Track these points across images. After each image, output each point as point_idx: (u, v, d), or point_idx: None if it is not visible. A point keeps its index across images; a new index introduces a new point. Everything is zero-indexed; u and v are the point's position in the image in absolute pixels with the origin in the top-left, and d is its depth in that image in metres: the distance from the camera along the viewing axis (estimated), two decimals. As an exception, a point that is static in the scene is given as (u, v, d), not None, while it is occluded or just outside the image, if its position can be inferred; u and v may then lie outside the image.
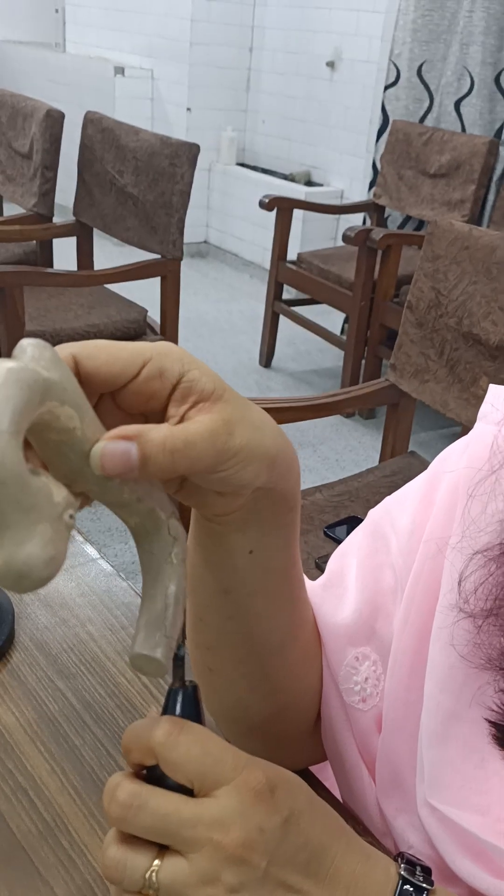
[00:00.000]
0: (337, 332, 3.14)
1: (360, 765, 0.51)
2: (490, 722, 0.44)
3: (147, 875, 0.33)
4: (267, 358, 3.25)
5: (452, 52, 3.04)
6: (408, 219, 3.27)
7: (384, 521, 0.53)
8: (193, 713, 0.37)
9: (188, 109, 4.39)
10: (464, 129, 3.06)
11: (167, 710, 0.37)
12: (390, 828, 0.50)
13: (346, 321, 3.14)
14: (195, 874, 0.33)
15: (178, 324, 2.38)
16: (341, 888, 0.36)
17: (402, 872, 0.37)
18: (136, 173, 2.35)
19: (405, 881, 0.37)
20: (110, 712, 0.59)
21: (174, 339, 2.36)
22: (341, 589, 0.53)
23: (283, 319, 3.21)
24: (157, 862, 0.33)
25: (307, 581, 0.52)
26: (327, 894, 0.36)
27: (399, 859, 0.39)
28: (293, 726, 0.53)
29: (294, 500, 0.42)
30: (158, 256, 2.30)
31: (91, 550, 0.76)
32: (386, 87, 3.24)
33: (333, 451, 2.67)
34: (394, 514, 0.53)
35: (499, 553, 0.44)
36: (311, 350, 3.45)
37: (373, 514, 0.55)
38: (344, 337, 2.96)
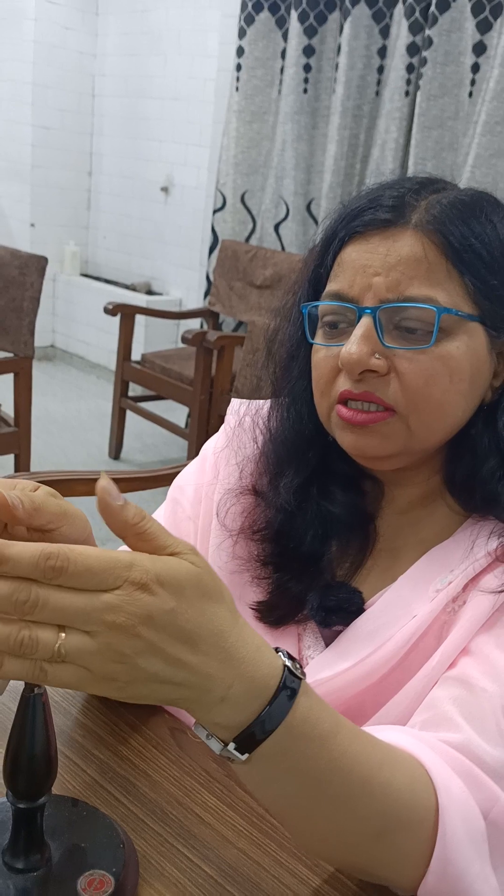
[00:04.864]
0: (181, 424, 3.40)
1: None
2: (251, 608, 0.71)
3: (56, 646, 0.39)
4: (116, 451, 3.45)
5: (269, 183, 3.52)
6: (240, 324, 3.65)
7: (176, 492, 0.83)
8: (42, 716, 0.49)
9: (32, 225, 4.67)
10: (283, 248, 3.52)
11: (20, 712, 0.49)
12: None
13: (189, 414, 3.41)
14: (97, 644, 0.39)
15: (31, 418, 2.54)
16: (234, 666, 0.43)
17: (287, 663, 0.46)
18: (-13, 281, 2.55)
19: (289, 670, 0.46)
20: None
21: (27, 432, 2.52)
22: None
23: (130, 415, 3.44)
24: (62, 635, 0.39)
25: None
26: (221, 670, 0.42)
27: (279, 652, 0.47)
28: None
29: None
30: (11, 355, 2.49)
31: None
32: (214, 211, 3.66)
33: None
34: (181, 486, 0.83)
35: (238, 492, 0.75)
36: (158, 443, 3.68)
37: (168, 494, 0.84)
38: (187, 429, 3.23)
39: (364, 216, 0.65)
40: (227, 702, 0.43)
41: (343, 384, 0.65)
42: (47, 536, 0.48)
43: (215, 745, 0.45)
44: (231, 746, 0.44)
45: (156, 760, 0.67)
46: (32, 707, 0.51)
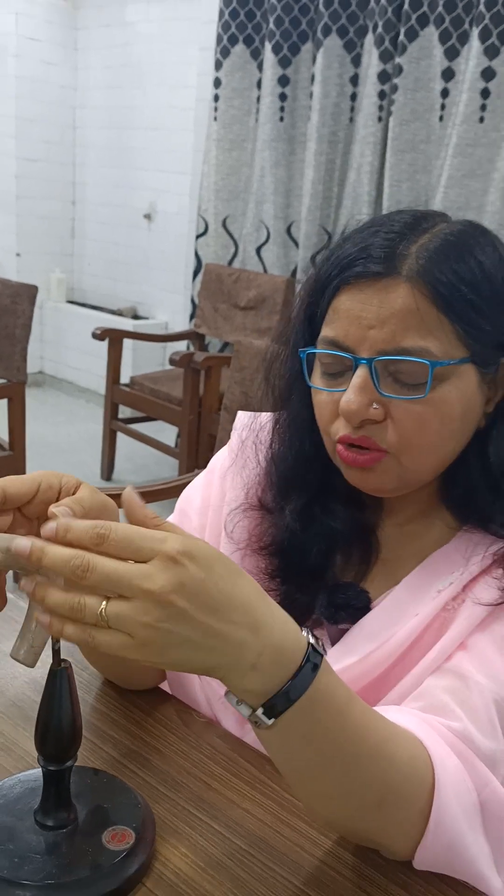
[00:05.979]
0: (171, 444, 3.48)
1: None
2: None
3: (99, 611, 0.46)
4: (108, 472, 3.51)
5: (250, 208, 3.63)
6: (226, 344, 3.74)
7: (185, 504, 0.87)
8: (67, 687, 0.57)
9: (18, 254, 4.76)
10: (265, 270, 3.62)
11: (48, 684, 0.57)
12: (213, 696, 0.77)
13: (178, 434, 3.48)
14: (134, 609, 0.45)
15: (26, 442, 2.61)
16: (264, 636, 0.48)
17: (310, 639, 0.51)
18: (-21, 311, 2.63)
19: (312, 647, 0.51)
20: None
21: (22, 456, 2.59)
22: None
23: (121, 437, 3.51)
24: (104, 603, 0.46)
25: None
26: (251, 638, 0.48)
27: (303, 629, 0.52)
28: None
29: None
30: (4, 381, 2.56)
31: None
32: (197, 236, 3.77)
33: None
34: (189, 497, 0.87)
35: (245, 507, 0.79)
36: (149, 463, 3.75)
37: (176, 505, 0.88)
38: (178, 449, 3.30)
39: (355, 267, 0.67)
40: (258, 669, 0.48)
41: (343, 428, 0.69)
42: None
43: (245, 710, 0.50)
44: (259, 711, 0.49)
45: (165, 738, 0.74)
46: (59, 679, 0.58)
